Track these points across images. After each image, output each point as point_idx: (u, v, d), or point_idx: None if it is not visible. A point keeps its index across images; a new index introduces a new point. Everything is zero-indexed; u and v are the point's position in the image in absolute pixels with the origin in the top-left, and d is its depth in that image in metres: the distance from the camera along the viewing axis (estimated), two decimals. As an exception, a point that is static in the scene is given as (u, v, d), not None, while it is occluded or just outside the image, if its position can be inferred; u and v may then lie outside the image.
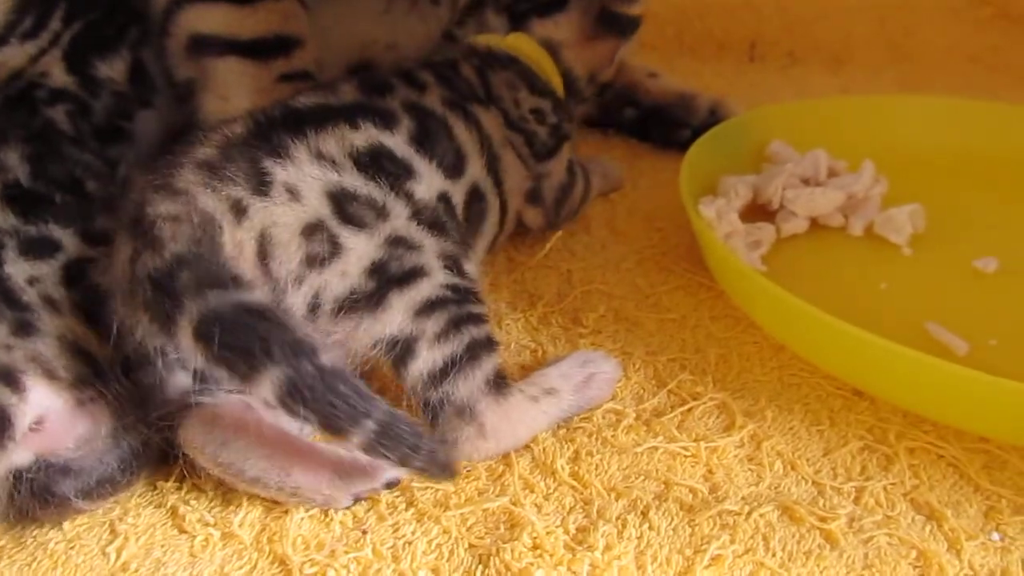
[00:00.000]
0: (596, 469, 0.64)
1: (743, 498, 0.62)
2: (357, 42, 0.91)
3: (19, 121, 0.82)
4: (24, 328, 0.61)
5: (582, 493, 0.62)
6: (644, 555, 0.58)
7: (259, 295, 0.57)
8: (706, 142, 0.94)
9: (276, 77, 0.86)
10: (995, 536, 0.60)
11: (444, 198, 0.70)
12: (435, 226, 0.66)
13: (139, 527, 0.59)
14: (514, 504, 0.61)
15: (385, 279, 0.61)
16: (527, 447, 0.66)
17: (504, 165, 0.79)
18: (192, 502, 0.61)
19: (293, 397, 0.52)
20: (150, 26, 0.92)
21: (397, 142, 0.69)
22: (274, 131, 0.64)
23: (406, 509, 0.61)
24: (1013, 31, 1.51)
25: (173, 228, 0.57)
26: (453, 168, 0.72)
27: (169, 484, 0.62)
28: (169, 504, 0.61)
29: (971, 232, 0.91)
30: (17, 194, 0.68)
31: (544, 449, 0.65)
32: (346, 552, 0.57)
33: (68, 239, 0.66)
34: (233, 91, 0.86)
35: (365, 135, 0.67)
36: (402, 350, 0.61)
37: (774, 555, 0.58)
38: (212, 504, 0.61)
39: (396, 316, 0.61)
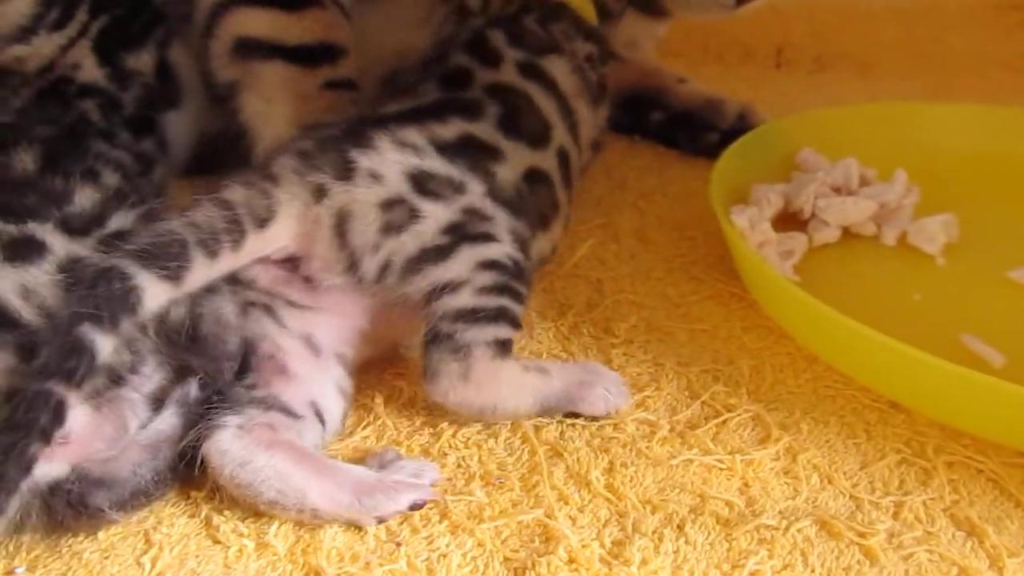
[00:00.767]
0: (631, 481, 0.64)
1: (780, 512, 0.62)
2: (394, 50, 0.91)
3: (51, 115, 0.81)
4: (27, 352, 0.58)
5: (617, 506, 0.62)
6: (681, 570, 0.57)
7: None
8: (736, 150, 0.94)
9: (321, 84, 0.87)
10: (1038, 553, 0.59)
11: (531, 173, 0.74)
12: (511, 205, 0.70)
13: (173, 537, 0.59)
14: (548, 517, 0.61)
15: (459, 236, 0.66)
16: (560, 456, 0.65)
17: (579, 118, 0.82)
18: (226, 512, 0.61)
19: None
20: (175, 26, 0.93)
21: (484, 128, 0.73)
22: (364, 128, 0.69)
23: (440, 521, 0.60)
24: (1042, 36, 1.50)
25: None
26: (540, 138, 0.76)
27: (203, 494, 0.62)
28: (203, 514, 0.61)
29: (1005, 242, 0.90)
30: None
31: (578, 459, 0.65)
32: (380, 565, 0.57)
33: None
34: (277, 94, 0.86)
35: (454, 128, 0.72)
36: (448, 290, 0.65)
37: (813, 571, 0.57)
38: (246, 514, 0.60)
39: (459, 264, 0.65)
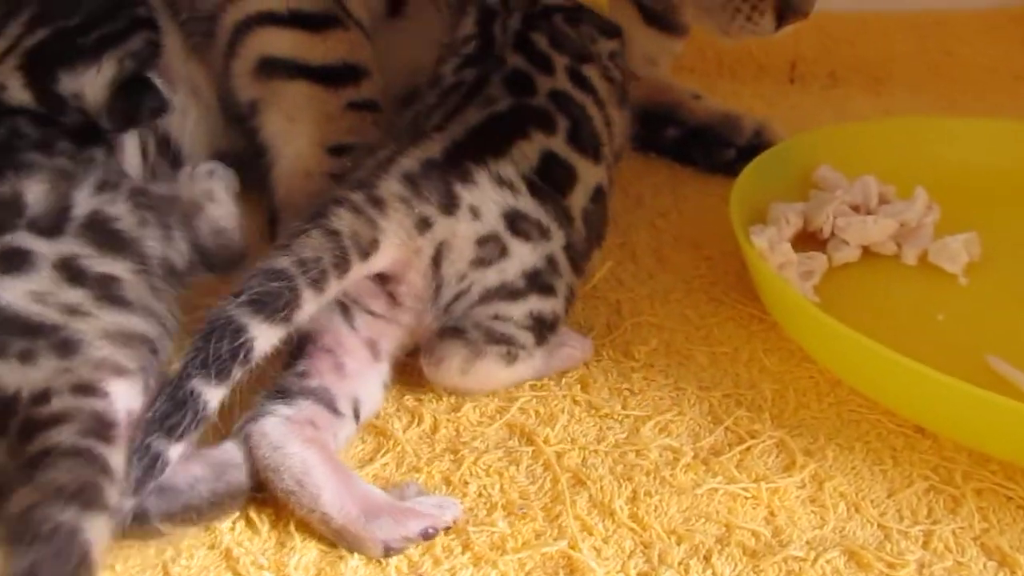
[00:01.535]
0: (655, 511, 0.63)
1: (807, 542, 0.61)
2: (413, 70, 0.91)
3: None
4: (65, 347, 0.60)
5: (641, 536, 0.61)
6: (709, 603, 0.56)
7: None
8: (754, 169, 0.93)
9: (344, 104, 0.87)
10: (1071, 584, 0.58)
11: (596, 191, 0.76)
12: (577, 256, 0.73)
13: (193, 569, 0.58)
14: (572, 548, 0.60)
15: (534, 284, 0.69)
16: (583, 484, 0.65)
17: (615, 129, 0.82)
18: (246, 543, 0.60)
19: None
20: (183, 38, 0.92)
21: (559, 144, 0.75)
22: (462, 154, 0.71)
23: (462, 553, 0.59)
24: (1056, 49, 1.49)
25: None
26: (597, 152, 0.77)
27: (223, 525, 0.61)
28: (223, 545, 0.60)
29: (1029, 261, 0.89)
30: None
31: (601, 488, 0.64)
32: (403, 597, 0.56)
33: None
34: (301, 114, 0.86)
35: (536, 144, 0.74)
36: (497, 319, 0.69)
37: (843, 604, 0.56)
38: (266, 546, 0.60)
39: (520, 309, 0.69)
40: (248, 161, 0.91)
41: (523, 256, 0.69)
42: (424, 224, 0.67)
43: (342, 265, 0.63)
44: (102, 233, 0.66)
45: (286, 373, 0.66)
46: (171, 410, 0.57)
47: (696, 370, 0.76)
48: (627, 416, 0.71)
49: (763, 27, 0.90)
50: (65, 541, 0.50)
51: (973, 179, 0.99)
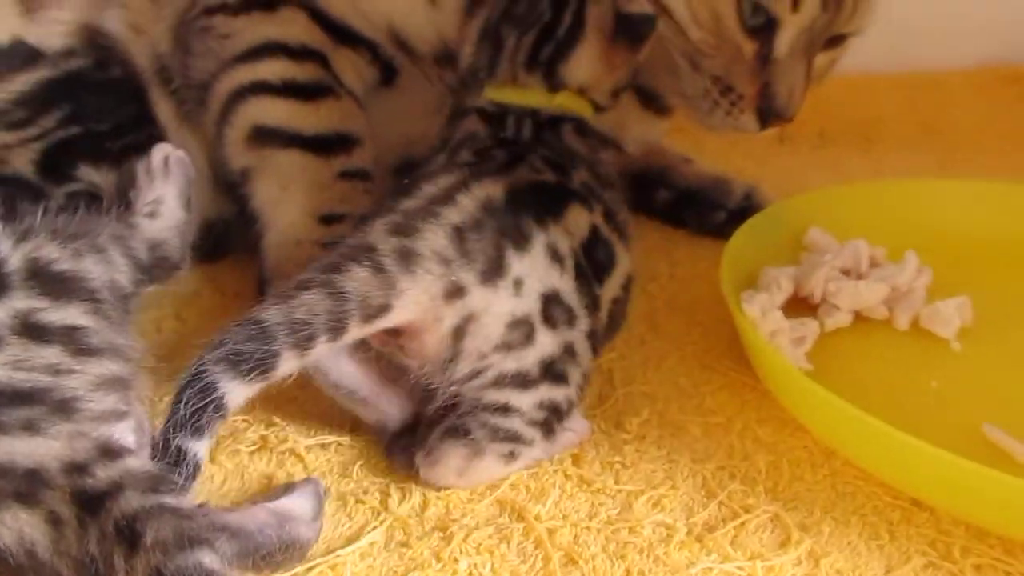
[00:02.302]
0: (649, 592, 0.61)
1: (804, 623, 0.59)
2: (406, 140, 0.92)
3: None
4: (65, 408, 0.59)
5: (635, 618, 0.60)
6: None
7: None
8: (745, 233, 0.93)
9: (336, 173, 0.87)
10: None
11: (629, 280, 0.76)
12: (596, 339, 0.70)
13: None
14: (564, 631, 0.58)
15: (547, 372, 0.66)
16: (575, 563, 0.63)
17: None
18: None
19: None
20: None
21: (600, 221, 0.73)
22: (524, 206, 0.67)
23: (452, 636, 0.58)
24: (1043, 109, 1.50)
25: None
26: (626, 239, 0.76)
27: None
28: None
29: (1023, 326, 0.88)
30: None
31: (594, 567, 0.63)
32: None
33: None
34: (293, 182, 0.87)
35: (585, 217, 0.71)
36: (502, 411, 0.66)
37: None
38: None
39: (530, 398, 0.66)
40: (238, 228, 0.92)
41: (544, 344, 0.66)
42: (456, 292, 0.62)
43: (336, 331, 0.60)
44: (47, 281, 0.64)
45: None
46: (168, 468, 0.58)
47: (689, 441, 0.75)
48: (619, 491, 0.70)
49: (745, 124, 0.90)
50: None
51: (964, 242, 0.99)
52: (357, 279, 0.61)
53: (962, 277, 0.92)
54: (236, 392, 0.59)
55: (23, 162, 0.83)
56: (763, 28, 0.86)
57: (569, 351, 0.67)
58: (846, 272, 0.93)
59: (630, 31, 0.83)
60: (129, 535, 0.54)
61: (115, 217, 0.71)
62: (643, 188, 1.14)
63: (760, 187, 1.12)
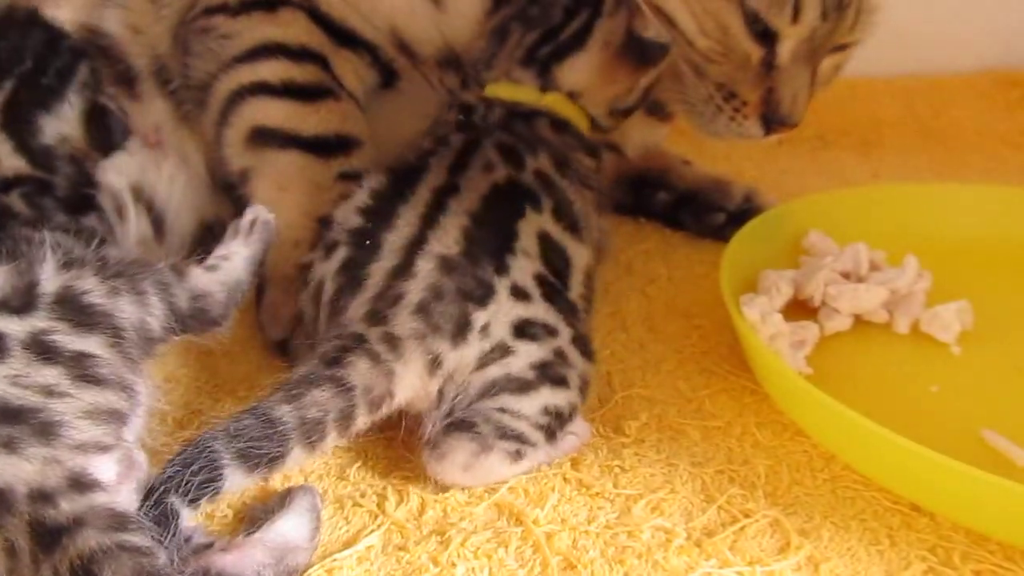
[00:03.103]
0: (648, 597, 0.61)
1: (804, 629, 0.59)
2: (403, 140, 0.91)
3: None
4: (45, 431, 0.58)
5: (634, 623, 0.59)
6: None
7: None
8: (744, 236, 0.93)
9: (335, 175, 0.87)
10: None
11: (588, 273, 0.76)
12: (586, 347, 0.72)
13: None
14: (563, 636, 0.58)
15: (544, 376, 0.68)
16: (573, 568, 0.63)
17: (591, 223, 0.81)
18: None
19: None
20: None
21: (550, 224, 0.74)
22: (482, 256, 0.70)
23: (449, 641, 0.58)
24: (1043, 112, 1.50)
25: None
26: (579, 232, 0.76)
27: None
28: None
29: (1022, 330, 0.88)
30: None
31: (592, 572, 0.63)
32: None
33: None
34: (292, 183, 0.87)
35: (532, 225, 0.73)
36: (508, 414, 0.67)
37: None
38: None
39: (533, 403, 0.67)
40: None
41: (530, 352, 0.68)
42: (435, 363, 0.66)
43: (346, 423, 0.63)
44: (74, 309, 0.64)
45: None
46: (152, 518, 0.58)
47: (688, 445, 0.75)
48: (618, 495, 0.69)
49: (749, 131, 0.90)
50: None
51: (964, 246, 0.99)
52: (360, 371, 0.64)
53: (962, 281, 0.92)
54: (237, 481, 0.60)
55: (8, 154, 0.81)
56: (767, 35, 0.86)
57: (561, 356, 0.69)
58: (846, 276, 0.92)
59: (639, 53, 0.84)
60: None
61: (170, 265, 0.72)
62: (642, 190, 1.14)
63: (760, 189, 1.11)
